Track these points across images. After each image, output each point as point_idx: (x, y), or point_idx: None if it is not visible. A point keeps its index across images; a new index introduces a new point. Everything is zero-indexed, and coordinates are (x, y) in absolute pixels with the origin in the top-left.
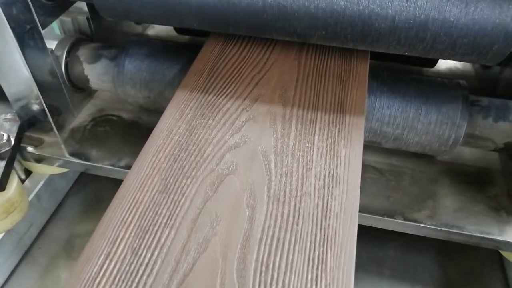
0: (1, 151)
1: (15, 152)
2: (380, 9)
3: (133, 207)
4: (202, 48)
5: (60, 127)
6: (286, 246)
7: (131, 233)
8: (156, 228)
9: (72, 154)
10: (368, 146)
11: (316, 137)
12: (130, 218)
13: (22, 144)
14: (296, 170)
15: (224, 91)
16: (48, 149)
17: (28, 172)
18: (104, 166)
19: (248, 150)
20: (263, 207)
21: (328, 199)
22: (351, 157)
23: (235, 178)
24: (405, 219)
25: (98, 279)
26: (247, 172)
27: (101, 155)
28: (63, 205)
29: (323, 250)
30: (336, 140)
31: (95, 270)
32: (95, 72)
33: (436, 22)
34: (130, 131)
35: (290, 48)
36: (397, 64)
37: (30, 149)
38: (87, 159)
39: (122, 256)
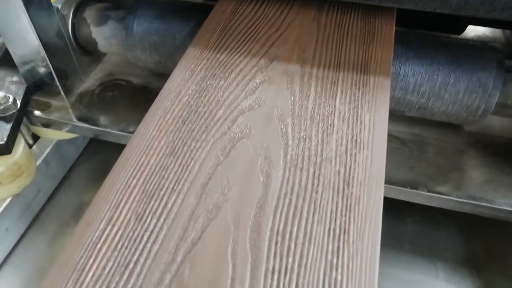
0: (7, 114)
1: (22, 115)
2: None
3: (138, 170)
4: (214, 8)
5: (67, 91)
6: (305, 215)
7: (135, 197)
8: (162, 193)
9: (79, 119)
10: (390, 115)
11: (338, 100)
12: (134, 182)
13: (29, 108)
14: (315, 134)
15: (237, 51)
16: (55, 114)
17: (35, 138)
18: (113, 131)
19: (263, 113)
20: (279, 173)
21: (350, 166)
22: (376, 121)
23: (248, 142)
24: (429, 191)
25: (99, 245)
26: (262, 136)
27: (110, 121)
28: (72, 173)
29: (345, 220)
30: (359, 104)
31: (96, 235)
32: (103, 35)
33: None
34: (140, 96)
35: (309, 7)
36: (423, 31)
37: (37, 113)
38: (95, 124)
39: (126, 221)
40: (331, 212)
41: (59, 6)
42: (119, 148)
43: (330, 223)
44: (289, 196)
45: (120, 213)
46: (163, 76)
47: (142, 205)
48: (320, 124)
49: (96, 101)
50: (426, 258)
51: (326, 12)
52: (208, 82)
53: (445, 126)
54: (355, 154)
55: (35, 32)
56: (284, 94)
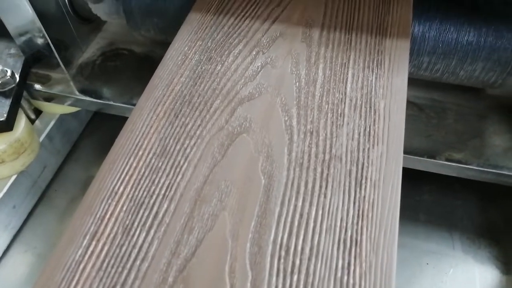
0: (6, 89)
1: (21, 90)
2: None
3: (126, 174)
4: None
5: (67, 63)
6: (311, 225)
7: (122, 207)
8: (152, 200)
9: (81, 92)
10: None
11: (349, 85)
12: (121, 189)
13: (28, 82)
14: (323, 127)
15: (236, 29)
16: (56, 87)
17: (38, 112)
18: (117, 104)
19: (265, 102)
20: (283, 174)
21: (363, 164)
22: (392, 110)
23: (248, 138)
24: (447, 160)
25: (82, 264)
26: (263, 130)
27: (113, 93)
28: (78, 147)
29: (357, 230)
30: (373, 89)
31: (79, 252)
32: (103, 11)
33: None
34: (143, 66)
35: None
36: None
37: (37, 86)
38: (97, 97)
39: (112, 235)
40: (341, 221)
41: None
42: (124, 118)
43: (340, 233)
44: (293, 201)
45: (106, 226)
46: (167, 44)
47: (130, 216)
48: (329, 114)
49: (98, 72)
50: (442, 228)
51: None
52: (203, 67)
53: (466, 90)
54: (369, 149)
55: (28, 1)
56: (288, 79)
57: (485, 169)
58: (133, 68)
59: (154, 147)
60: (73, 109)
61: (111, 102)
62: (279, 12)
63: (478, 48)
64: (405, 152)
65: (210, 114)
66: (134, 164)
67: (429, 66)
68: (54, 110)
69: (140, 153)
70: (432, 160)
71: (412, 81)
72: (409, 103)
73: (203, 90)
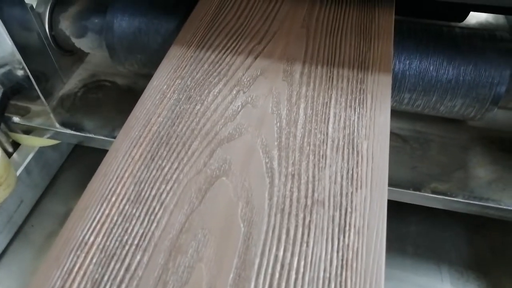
0: None
1: None
2: None
3: (97, 222)
4: (191, 14)
5: (47, 95)
6: (293, 276)
7: (92, 259)
8: (125, 251)
9: (62, 124)
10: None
11: (331, 125)
12: (92, 239)
13: (7, 114)
14: (305, 170)
15: (216, 67)
16: (35, 119)
17: (16, 145)
18: (98, 137)
19: (245, 143)
20: (263, 221)
21: (347, 209)
22: (375, 151)
23: (227, 181)
24: (433, 192)
25: None
26: (243, 173)
27: (94, 125)
28: (57, 180)
29: (340, 281)
30: (355, 129)
31: None
32: (86, 46)
33: None
34: (126, 98)
35: (297, 13)
36: (423, 20)
37: (16, 119)
38: (78, 130)
39: None
40: (324, 271)
41: (34, 4)
42: (106, 152)
43: (323, 286)
44: (274, 251)
45: (74, 280)
46: (150, 76)
47: (100, 269)
48: (310, 156)
49: (79, 104)
50: (430, 260)
51: (317, 13)
52: (182, 107)
53: (449, 122)
54: (352, 193)
55: (7, 33)
56: (269, 119)
57: (470, 202)
58: (115, 100)
59: (128, 192)
60: (53, 142)
61: (92, 135)
62: (260, 49)
63: (457, 86)
64: (391, 184)
65: (188, 156)
66: (107, 211)
67: (410, 102)
68: (33, 142)
69: (113, 199)
70: (418, 192)
71: (396, 113)
72: (393, 134)
73: (181, 131)
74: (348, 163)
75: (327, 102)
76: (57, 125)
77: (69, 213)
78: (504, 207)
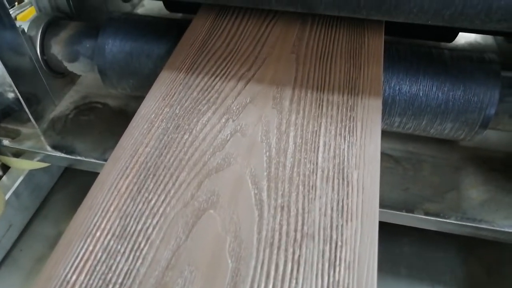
0: None
1: None
2: None
3: (81, 260)
4: (181, 40)
5: (38, 117)
6: None
7: None
8: None
9: (53, 147)
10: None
11: (320, 155)
12: (74, 277)
13: None
14: (294, 201)
15: (205, 95)
16: (26, 142)
17: (5, 168)
18: (88, 160)
19: (234, 174)
20: (252, 256)
21: (337, 243)
22: (365, 181)
23: (215, 215)
24: (426, 214)
25: None
26: (232, 206)
27: (85, 148)
28: (48, 202)
29: None
30: (345, 159)
31: None
32: (78, 69)
33: None
34: (117, 120)
35: (290, 28)
36: (411, 40)
37: (6, 142)
38: (69, 153)
39: None
40: None
41: (25, 28)
42: (97, 175)
43: None
44: (263, 287)
45: None
46: (142, 98)
47: None
48: (300, 187)
49: (70, 126)
50: (424, 282)
51: (307, 37)
52: (170, 136)
53: (441, 142)
54: (342, 226)
55: None
56: (258, 148)
57: (463, 223)
58: (107, 122)
59: (114, 227)
60: (43, 165)
61: (83, 158)
62: (250, 76)
63: (447, 111)
64: (383, 206)
65: (175, 188)
66: (91, 248)
67: (401, 125)
68: (23, 165)
69: (98, 234)
70: (410, 214)
71: (388, 133)
72: (386, 155)
73: (169, 162)
74: (338, 194)
75: (316, 131)
76: (48, 148)
77: (59, 236)
78: (497, 228)
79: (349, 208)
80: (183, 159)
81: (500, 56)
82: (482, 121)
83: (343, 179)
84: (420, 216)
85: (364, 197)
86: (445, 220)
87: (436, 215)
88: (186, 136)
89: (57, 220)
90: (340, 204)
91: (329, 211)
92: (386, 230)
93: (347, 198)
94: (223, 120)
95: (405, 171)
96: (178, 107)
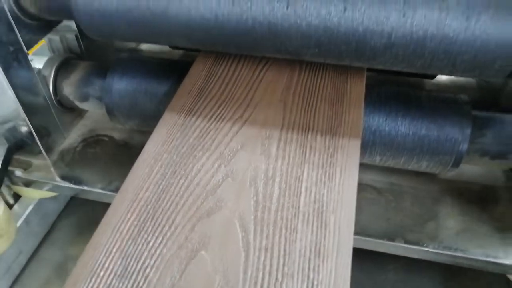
0: None
1: (3, 177)
2: (375, 26)
3: None
4: (180, 87)
5: (49, 149)
6: None
7: None
8: None
9: (62, 178)
10: (364, 164)
11: (302, 199)
12: None
13: (10, 168)
14: (277, 244)
15: (200, 141)
16: (37, 173)
17: (17, 196)
18: (94, 190)
19: (224, 217)
20: None
21: (313, 282)
22: (341, 225)
23: (206, 256)
24: (406, 242)
25: None
26: (221, 247)
27: (91, 178)
28: (55, 228)
29: None
30: (324, 204)
31: None
32: (88, 107)
33: (434, 39)
34: (122, 152)
35: (277, 85)
36: (395, 76)
37: (18, 173)
38: (77, 183)
39: None
40: None
41: (40, 68)
42: (102, 203)
43: None
44: None
45: None
46: (145, 132)
47: None
48: (283, 230)
49: (78, 158)
50: None
51: (295, 85)
52: (167, 182)
53: (421, 174)
54: (319, 266)
55: (14, 93)
56: (246, 193)
57: (440, 251)
58: (113, 154)
59: (116, 266)
60: (52, 194)
61: (89, 188)
62: (241, 123)
63: (422, 153)
64: (367, 235)
65: (171, 231)
66: (95, 287)
67: (381, 162)
68: (34, 194)
69: (102, 273)
70: (391, 242)
71: (372, 166)
72: (369, 186)
73: (166, 206)
74: (316, 237)
75: (300, 176)
76: (58, 178)
77: (65, 260)
78: (471, 256)
79: (326, 249)
80: (179, 203)
81: (478, 92)
82: (454, 160)
83: (321, 222)
84: (400, 244)
85: (339, 239)
86: (423, 248)
87: (415, 243)
88: (182, 181)
89: (63, 245)
90: (318, 246)
91: (307, 253)
92: (371, 257)
93: (324, 240)
94: (216, 165)
95: (388, 202)
96: (176, 153)
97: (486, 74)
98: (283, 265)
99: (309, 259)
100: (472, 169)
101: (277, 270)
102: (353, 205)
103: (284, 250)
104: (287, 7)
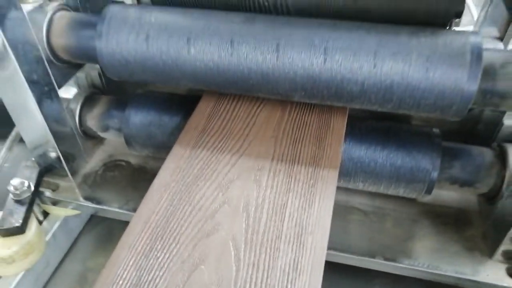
0: (22, 197)
1: (34, 197)
2: (350, 75)
3: None
4: (186, 124)
5: (74, 173)
6: None
7: None
8: None
9: (85, 198)
10: (351, 189)
11: (285, 224)
12: None
13: (40, 189)
14: (263, 260)
15: (203, 172)
16: (63, 193)
17: (45, 213)
18: (112, 209)
19: (220, 238)
20: None
21: None
22: (317, 245)
23: (204, 269)
24: (385, 259)
25: None
26: (217, 263)
27: (110, 199)
28: (77, 243)
29: None
30: (304, 227)
31: None
32: (108, 136)
33: (400, 86)
34: (138, 175)
35: (269, 123)
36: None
37: (47, 193)
38: (97, 203)
39: None
40: None
41: (67, 97)
42: (118, 220)
43: None
44: None
45: None
46: (159, 158)
47: None
48: (268, 249)
49: (99, 181)
50: None
51: (285, 123)
52: (175, 207)
53: (403, 198)
54: (295, 279)
55: (46, 124)
56: (239, 218)
57: (416, 268)
58: (129, 177)
59: (132, 277)
60: (76, 212)
61: (108, 208)
62: (237, 157)
63: (398, 181)
64: (351, 252)
65: (177, 249)
66: None
67: (364, 187)
68: (60, 212)
69: (120, 282)
70: (372, 259)
71: (359, 191)
72: (356, 209)
73: (173, 227)
74: (295, 255)
75: (284, 203)
76: (81, 198)
77: (86, 272)
78: (443, 273)
79: (302, 265)
80: (183, 226)
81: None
82: (427, 188)
83: (300, 243)
84: (380, 261)
85: (314, 257)
86: (399, 265)
87: (393, 260)
88: (186, 207)
89: (85, 258)
90: (296, 263)
91: (287, 268)
92: (359, 272)
93: (301, 258)
94: (215, 193)
95: (372, 223)
96: (182, 183)
97: (446, 114)
98: (267, 277)
99: (288, 273)
100: (449, 194)
101: (261, 282)
102: (328, 227)
103: (268, 266)
104: (277, 59)
